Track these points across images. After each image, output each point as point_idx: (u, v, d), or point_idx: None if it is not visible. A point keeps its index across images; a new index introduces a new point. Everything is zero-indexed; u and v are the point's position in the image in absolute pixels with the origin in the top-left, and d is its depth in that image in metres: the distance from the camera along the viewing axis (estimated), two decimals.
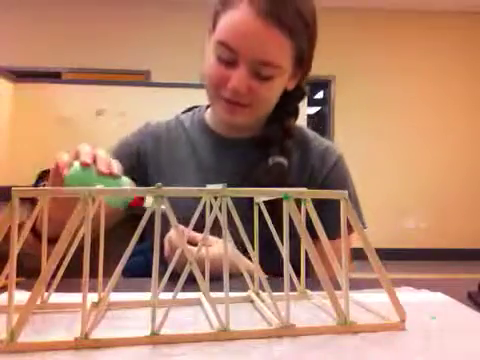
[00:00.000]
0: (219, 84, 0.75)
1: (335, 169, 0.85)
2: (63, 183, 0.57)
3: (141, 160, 0.87)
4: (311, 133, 0.91)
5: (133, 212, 0.69)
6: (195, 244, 0.61)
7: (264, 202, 0.50)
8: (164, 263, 0.61)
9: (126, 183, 0.58)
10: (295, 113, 0.86)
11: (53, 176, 0.61)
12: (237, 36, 0.70)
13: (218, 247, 0.64)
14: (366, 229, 0.77)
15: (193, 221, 0.47)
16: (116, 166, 0.59)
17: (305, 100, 0.89)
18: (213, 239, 0.66)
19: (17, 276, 0.38)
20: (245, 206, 0.52)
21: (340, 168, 0.87)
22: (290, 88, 0.80)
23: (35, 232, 0.65)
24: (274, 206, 0.55)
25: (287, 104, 0.82)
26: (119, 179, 0.57)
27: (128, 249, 0.40)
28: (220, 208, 0.41)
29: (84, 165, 0.56)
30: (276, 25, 0.69)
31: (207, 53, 0.78)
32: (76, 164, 0.57)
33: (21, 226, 0.41)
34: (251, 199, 0.53)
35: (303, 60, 0.77)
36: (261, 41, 0.70)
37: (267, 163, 0.79)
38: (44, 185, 0.63)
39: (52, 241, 0.51)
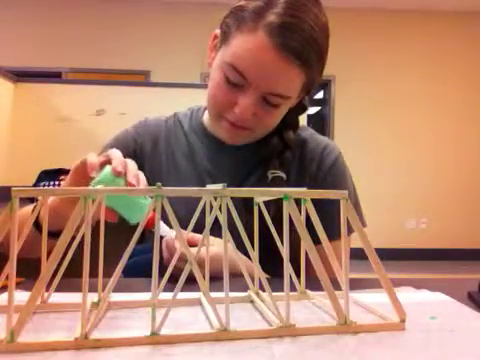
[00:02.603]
0: (224, 106, 0.74)
1: (333, 169, 0.85)
2: (87, 183, 0.56)
3: (137, 159, 0.86)
4: (307, 132, 0.89)
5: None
6: (194, 245, 0.61)
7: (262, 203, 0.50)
8: (164, 265, 0.61)
9: (147, 202, 0.56)
10: (295, 125, 0.85)
11: (75, 174, 0.61)
12: (251, 65, 0.68)
13: (218, 246, 0.64)
14: (365, 228, 0.77)
15: (193, 221, 0.47)
16: (142, 180, 0.58)
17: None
18: (212, 239, 0.66)
19: (17, 276, 0.38)
20: (241, 209, 0.52)
21: (338, 167, 0.86)
22: (292, 106, 0.80)
23: (38, 226, 0.65)
24: (271, 208, 0.55)
25: (288, 117, 0.81)
26: (143, 197, 0.56)
27: (128, 249, 0.40)
28: (220, 208, 0.41)
29: (116, 173, 0.55)
30: (292, 59, 0.67)
31: (210, 58, 0.77)
32: (108, 169, 0.56)
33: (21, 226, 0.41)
34: (246, 202, 0.52)
35: (312, 85, 0.76)
36: (275, 73, 0.68)
37: (265, 175, 0.79)
38: (62, 179, 0.63)
39: (58, 235, 0.52)
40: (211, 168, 0.84)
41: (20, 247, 0.42)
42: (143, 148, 0.87)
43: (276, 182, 0.78)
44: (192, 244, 0.62)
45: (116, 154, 0.59)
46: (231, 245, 0.46)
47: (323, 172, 0.84)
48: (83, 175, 0.58)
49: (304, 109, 0.85)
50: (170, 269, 0.46)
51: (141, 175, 0.59)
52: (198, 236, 0.63)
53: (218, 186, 0.42)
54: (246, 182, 0.82)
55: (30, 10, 4.80)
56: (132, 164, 0.59)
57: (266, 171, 0.80)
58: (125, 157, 0.84)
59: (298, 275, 0.52)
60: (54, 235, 0.57)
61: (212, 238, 0.66)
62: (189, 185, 0.81)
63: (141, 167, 0.86)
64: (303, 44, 0.67)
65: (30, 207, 0.70)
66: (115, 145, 0.87)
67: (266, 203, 0.50)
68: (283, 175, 0.79)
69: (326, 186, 0.82)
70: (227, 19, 0.72)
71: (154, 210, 0.39)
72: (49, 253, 0.39)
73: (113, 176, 0.55)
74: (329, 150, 0.86)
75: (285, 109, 0.77)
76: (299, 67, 0.69)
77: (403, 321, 0.43)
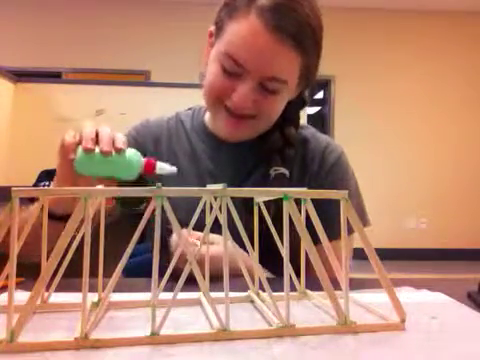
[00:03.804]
0: (222, 95, 0.73)
1: (335, 167, 0.85)
2: (71, 165, 0.58)
3: None
4: (308, 131, 0.89)
5: (145, 181, 0.67)
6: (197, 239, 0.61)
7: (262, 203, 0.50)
8: (164, 265, 0.61)
9: (132, 155, 0.59)
10: (296, 121, 0.85)
11: (61, 158, 0.62)
12: (245, 51, 0.68)
13: (220, 244, 0.64)
14: (366, 227, 0.76)
15: (193, 221, 0.47)
16: (119, 138, 0.59)
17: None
18: (215, 237, 0.66)
19: (17, 276, 0.38)
20: (240, 209, 0.52)
21: (340, 166, 0.86)
22: (292, 98, 0.80)
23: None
24: (272, 208, 0.55)
25: (288, 112, 0.81)
26: (124, 154, 0.58)
27: (128, 249, 0.40)
28: (220, 208, 0.41)
29: (86, 151, 0.57)
30: (286, 40, 0.67)
31: (206, 57, 0.77)
32: (79, 150, 0.58)
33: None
34: (246, 203, 0.52)
35: (309, 73, 0.76)
36: (270, 57, 0.68)
37: (268, 173, 0.79)
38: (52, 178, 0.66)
39: (64, 218, 0.52)
40: (213, 167, 0.84)
41: (20, 247, 0.42)
42: (144, 148, 0.87)
43: (279, 179, 0.78)
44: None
45: (86, 132, 0.59)
46: (231, 242, 0.46)
47: (325, 171, 0.84)
48: (67, 158, 0.59)
49: (304, 103, 0.84)
50: (170, 269, 0.46)
51: (118, 135, 0.60)
52: (199, 234, 0.63)
53: (218, 186, 0.42)
54: (248, 180, 0.81)
55: (30, 10, 4.79)
56: (104, 129, 0.60)
57: (268, 169, 0.79)
58: None
59: (298, 275, 0.52)
60: (57, 218, 0.60)
61: (214, 236, 0.66)
62: (191, 185, 0.81)
63: None
64: (296, 26, 0.67)
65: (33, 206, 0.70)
66: None
67: (266, 203, 0.50)
68: (286, 172, 0.79)
69: (327, 185, 0.82)
70: (220, 13, 0.73)
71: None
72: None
73: (85, 154, 0.58)
74: (331, 149, 0.86)
75: (284, 98, 0.77)
76: (294, 49, 0.68)
77: (403, 321, 0.43)
